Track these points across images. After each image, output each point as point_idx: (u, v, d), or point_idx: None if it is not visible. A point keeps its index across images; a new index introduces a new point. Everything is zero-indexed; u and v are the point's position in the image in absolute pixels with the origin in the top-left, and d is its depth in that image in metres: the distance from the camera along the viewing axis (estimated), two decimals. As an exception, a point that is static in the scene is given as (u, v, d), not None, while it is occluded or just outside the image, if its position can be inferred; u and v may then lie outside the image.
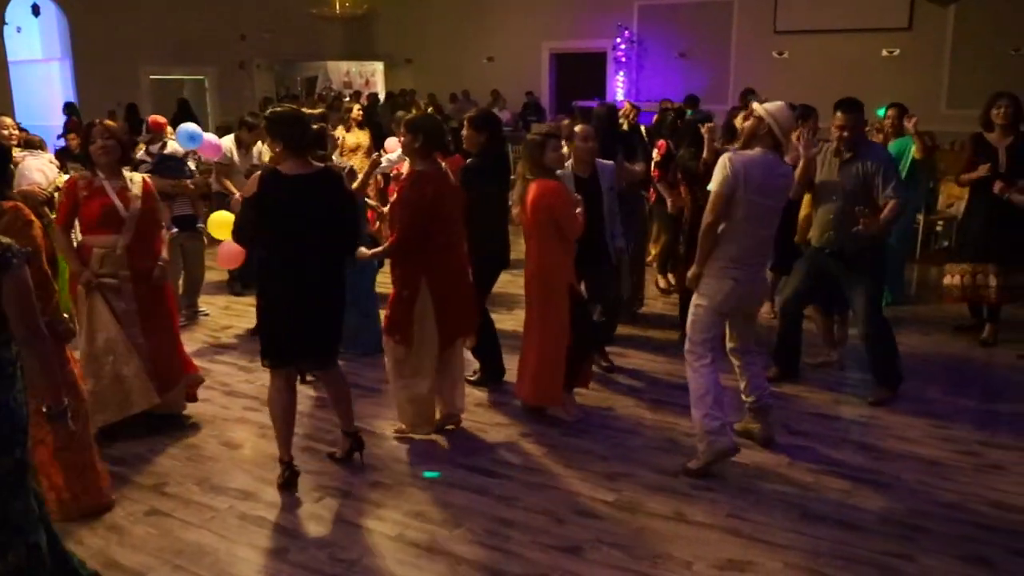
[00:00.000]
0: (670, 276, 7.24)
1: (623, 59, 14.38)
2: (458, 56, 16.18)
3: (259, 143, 7.02)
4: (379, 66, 17.74)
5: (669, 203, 6.07)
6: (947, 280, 6.09)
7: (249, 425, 4.68)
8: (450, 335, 4.36)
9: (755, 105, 4.09)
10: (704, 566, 3.30)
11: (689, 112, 8.47)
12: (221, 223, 5.75)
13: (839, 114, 4.71)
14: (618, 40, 14.32)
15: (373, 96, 15.98)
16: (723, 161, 3.92)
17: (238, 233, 3.88)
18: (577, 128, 5.10)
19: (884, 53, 12.79)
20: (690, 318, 4.09)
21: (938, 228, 8.73)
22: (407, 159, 4.47)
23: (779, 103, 4.03)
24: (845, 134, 4.68)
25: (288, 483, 3.90)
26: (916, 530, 3.57)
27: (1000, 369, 5.58)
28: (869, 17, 12.55)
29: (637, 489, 3.91)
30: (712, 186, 3.93)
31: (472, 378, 5.20)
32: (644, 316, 6.61)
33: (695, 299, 4.08)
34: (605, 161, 5.19)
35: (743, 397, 4.35)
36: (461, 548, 3.43)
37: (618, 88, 14.41)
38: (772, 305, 6.09)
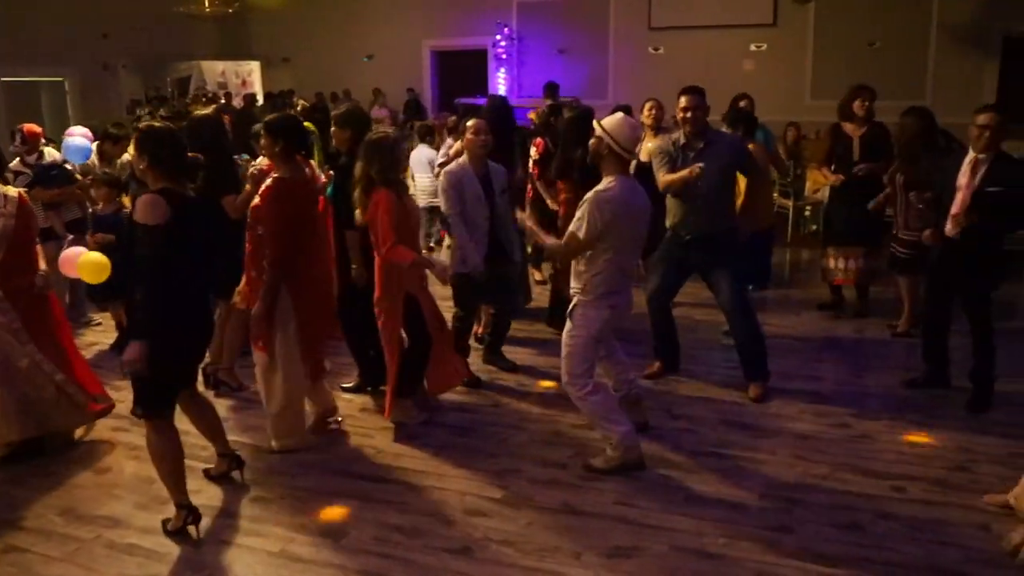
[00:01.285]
0: (544, 267, 7.31)
1: (504, 56, 14.43)
2: (337, 55, 15.87)
3: (125, 155, 6.67)
4: (255, 65, 17.18)
5: (550, 202, 6.01)
6: (826, 263, 6.41)
7: (119, 447, 4.40)
8: (312, 343, 4.25)
9: (595, 123, 3.93)
10: (592, 555, 3.31)
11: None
12: (94, 266, 4.89)
13: (683, 97, 4.79)
14: (498, 37, 14.36)
15: (250, 97, 15.47)
16: (597, 204, 3.73)
17: (149, 270, 3.24)
18: (469, 123, 4.92)
19: (752, 48, 13.29)
20: (566, 350, 3.92)
21: (806, 213, 9.15)
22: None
23: (617, 117, 3.88)
24: (689, 115, 4.77)
25: (191, 524, 3.50)
26: (793, 503, 3.70)
27: (869, 345, 5.87)
28: (737, 14, 13.02)
29: (524, 484, 3.89)
30: (582, 235, 3.76)
31: (348, 385, 5.10)
32: (526, 310, 6.55)
33: (571, 330, 3.92)
34: (496, 165, 5.05)
35: (614, 392, 4.38)
36: (348, 558, 3.33)
37: (500, 85, 14.46)
38: None
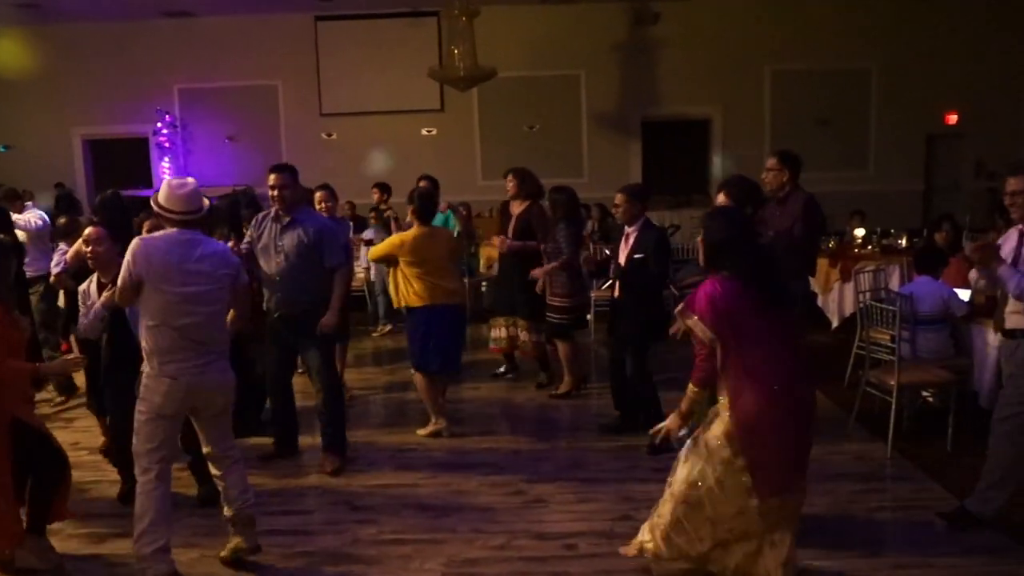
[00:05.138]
0: None
1: (167, 144, 13.81)
2: (-34, 143, 14.15)
3: None
4: None
5: None
6: (494, 333, 6.82)
7: None
8: None
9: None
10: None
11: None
12: None
13: (272, 176, 5.03)
14: (159, 125, 13.73)
15: None
16: (132, 248, 3.67)
17: None
18: (87, 230, 4.54)
19: (424, 132, 14.03)
20: (135, 426, 3.72)
21: (483, 288, 9.68)
22: None
23: (163, 184, 3.78)
24: (275, 193, 5.02)
25: None
26: (472, 579, 3.81)
27: (543, 409, 6.32)
28: (406, 100, 13.67)
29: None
30: (119, 280, 3.70)
31: None
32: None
33: (138, 404, 3.72)
34: None
35: (225, 511, 3.94)
36: None
37: (165, 175, 13.77)
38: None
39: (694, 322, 3.37)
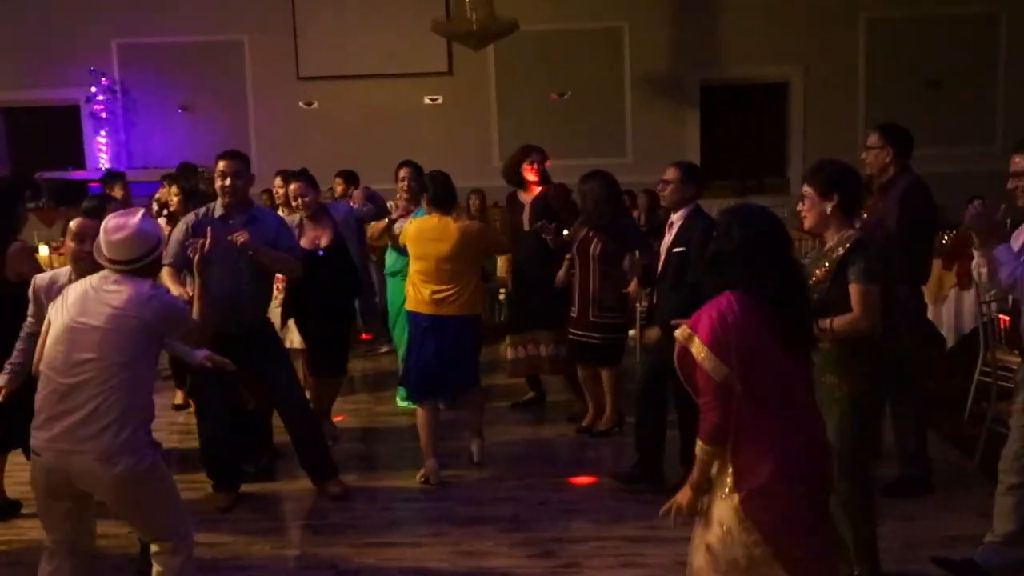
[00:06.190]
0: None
1: (104, 114, 13.91)
2: None
3: None
4: None
5: None
6: (510, 355, 6.82)
7: None
8: None
9: None
10: None
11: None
12: None
13: (222, 163, 5.19)
14: (93, 90, 13.83)
15: None
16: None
17: None
18: (72, 223, 4.53)
19: (427, 101, 14.03)
20: None
21: (500, 297, 9.67)
22: None
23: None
24: (226, 183, 5.13)
25: None
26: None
27: (571, 449, 6.34)
28: (405, 61, 13.67)
29: None
30: None
31: None
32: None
33: None
34: None
35: None
36: None
37: (101, 152, 13.88)
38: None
39: (699, 349, 3.02)
